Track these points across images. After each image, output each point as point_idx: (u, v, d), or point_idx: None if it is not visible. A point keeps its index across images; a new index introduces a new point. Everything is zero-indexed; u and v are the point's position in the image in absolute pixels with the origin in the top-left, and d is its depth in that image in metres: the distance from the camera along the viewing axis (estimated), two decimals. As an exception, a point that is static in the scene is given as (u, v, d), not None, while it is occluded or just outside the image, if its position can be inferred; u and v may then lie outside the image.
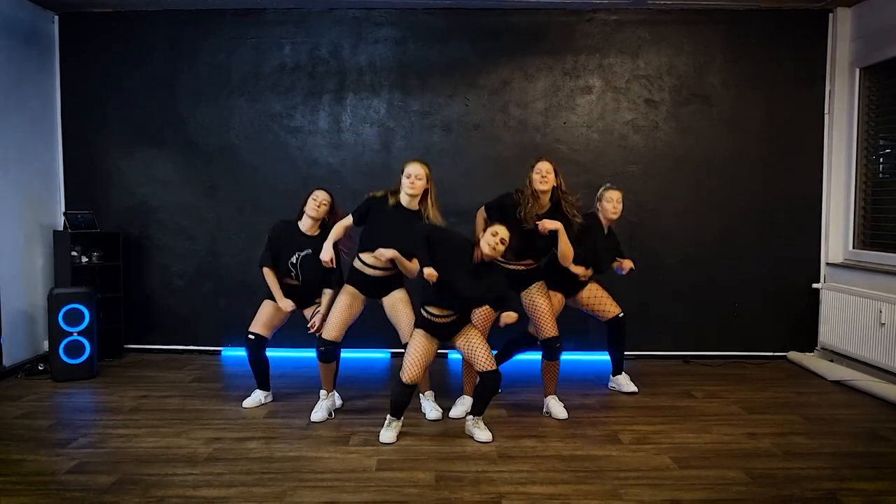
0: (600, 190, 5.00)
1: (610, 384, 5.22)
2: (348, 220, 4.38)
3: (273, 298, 4.65)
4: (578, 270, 4.73)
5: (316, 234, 4.59)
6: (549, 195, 4.42)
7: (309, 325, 4.58)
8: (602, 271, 4.97)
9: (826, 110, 6.04)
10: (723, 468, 3.63)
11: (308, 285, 4.60)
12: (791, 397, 4.98)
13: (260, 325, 4.67)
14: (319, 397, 4.49)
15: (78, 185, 6.21)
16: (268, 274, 4.61)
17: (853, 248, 5.89)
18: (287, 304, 4.56)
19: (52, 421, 4.37)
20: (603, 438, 4.10)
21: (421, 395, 4.50)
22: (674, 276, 6.12)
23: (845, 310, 5.68)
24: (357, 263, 4.37)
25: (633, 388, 5.09)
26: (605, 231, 4.98)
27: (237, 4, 6.02)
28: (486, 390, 4.04)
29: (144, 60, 6.15)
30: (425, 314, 4.04)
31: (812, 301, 6.10)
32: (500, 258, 4.09)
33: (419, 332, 4.05)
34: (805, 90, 6.05)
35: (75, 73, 6.18)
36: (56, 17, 6.13)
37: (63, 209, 6.12)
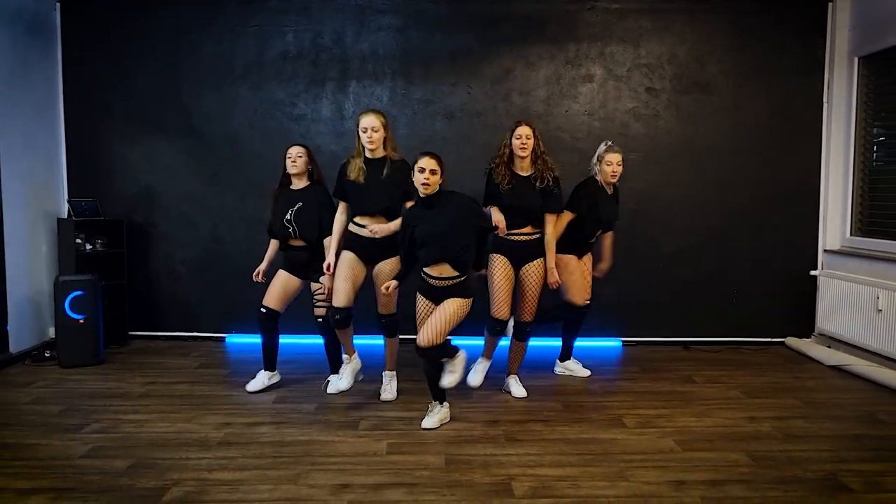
0: (599, 149, 4.91)
1: (557, 369, 5.27)
2: (340, 209, 4.54)
3: (286, 269, 4.75)
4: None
5: (305, 185, 4.72)
6: (528, 159, 4.49)
7: (316, 296, 4.71)
8: (611, 229, 5.10)
9: (825, 99, 6.10)
10: (725, 450, 3.71)
11: (307, 237, 4.63)
12: (790, 382, 5.07)
13: (272, 298, 4.73)
14: (343, 365, 4.56)
15: (81, 173, 6.23)
16: (272, 244, 4.85)
17: (850, 235, 5.97)
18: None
19: (63, 407, 4.42)
20: (608, 422, 4.17)
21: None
22: (673, 263, 6.20)
23: (843, 296, 5.76)
24: (352, 227, 4.44)
25: (585, 371, 5.21)
26: (609, 191, 4.92)
27: (240, -8, 6.04)
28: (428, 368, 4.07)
29: (147, 48, 6.15)
30: (423, 276, 4.06)
31: (810, 288, 6.18)
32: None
33: (418, 299, 4.12)
34: (804, 79, 6.11)
35: (78, 61, 6.18)
36: (58, 5, 6.12)
37: (67, 197, 6.14)
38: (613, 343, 6.08)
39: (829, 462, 3.57)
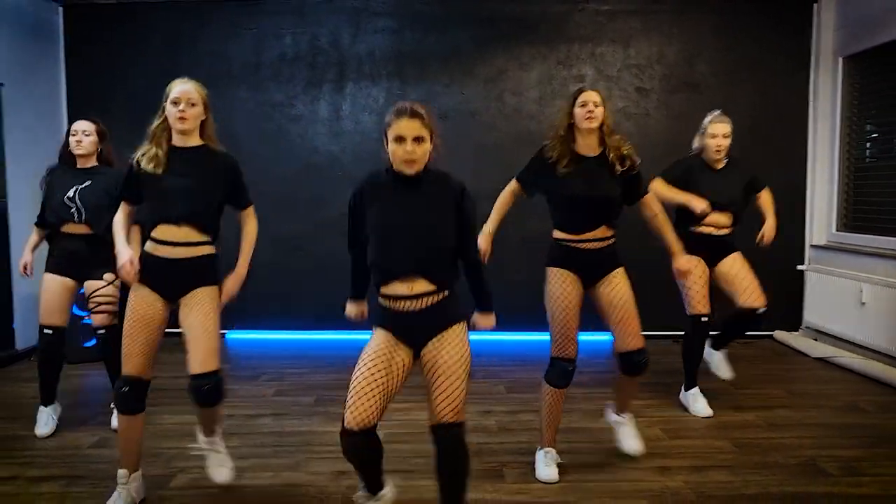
0: (706, 121, 4.29)
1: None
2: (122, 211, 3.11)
3: (54, 269, 3.87)
4: (693, 200, 4.12)
5: (93, 165, 3.96)
6: (597, 134, 3.29)
7: (95, 298, 3.88)
8: (735, 213, 4.29)
9: (810, 98, 6.25)
10: (709, 438, 3.86)
11: (94, 221, 3.83)
12: (776, 374, 5.22)
13: (52, 313, 3.87)
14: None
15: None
16: (36, 234, 3.99)
17: (836, 230, 6.12)
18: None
19: (70, 400, 4.54)
20: (597, 412, 4.30)
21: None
22: (663, 259, 6.27)
23: (829, 290, 5.91)
24: (149, 246, 3.02)
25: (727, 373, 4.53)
26: (717, 169, 4.28)
27: (238, -5, 6.18)
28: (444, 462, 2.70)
29: (147, 50, 6.28)
30: (381, 301, 2.59)
31: (797, 282, 6.33)
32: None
33: (375, 336, 2.60)
34: (791, 78, 6.26)
35: (80, 63, 6.32)
36: (60, 9, 6.26)
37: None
38: (605, 337, 6.18)
39: (810, 449, 3.72)
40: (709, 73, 6.26)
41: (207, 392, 2.97)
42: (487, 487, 3.27)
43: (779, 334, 6.27)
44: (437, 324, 2.55)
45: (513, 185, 3.55)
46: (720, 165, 4.30)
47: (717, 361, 4.57)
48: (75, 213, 3.82)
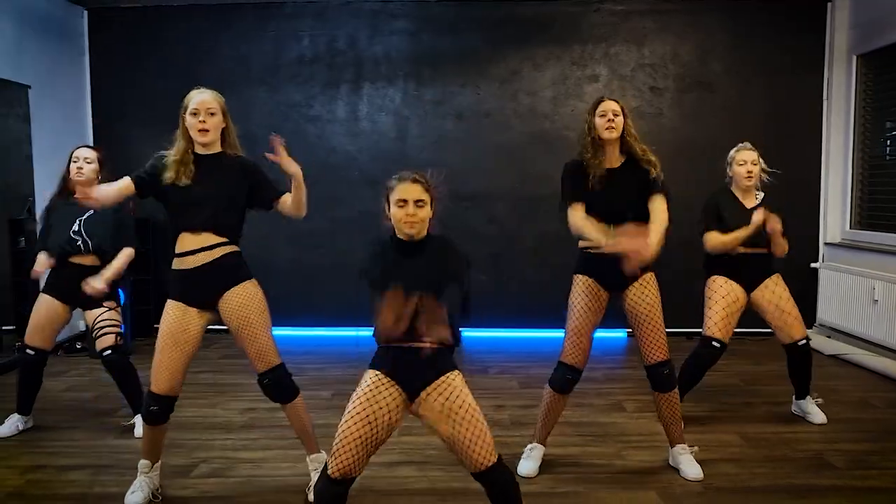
0: (731, 152, 4.16)
1: (793, 408, 4.32)
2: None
3: (52, 293, 3.86)
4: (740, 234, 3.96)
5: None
6: (618, 145, 3.29)
7: (100, 322, 3.87)
8: (766, 248, 4.15)
9: (824, 96, 6.27)
10: (718, 432, 3.93)
11: (102, 249, 3.84)
12: (787, 370, 5.24)
13: (39, 335, 3.86)
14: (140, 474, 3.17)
15: (108, 174, 6.49)
16: (40, 263, 3.85)
17: (850, 228, 6.14)
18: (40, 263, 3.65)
19: (95, 393, 4.71)
20: (608, 407, 4.40)
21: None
22: (676, 256, 6.32)
23: (842, 288, 5.93)
24: (175, 263, 3.04)
25: (821, 418, 4.11)
26: (748, 200, 4.15)
27: (257, -1, 6.32)
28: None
29: (168, 53, 6.43)
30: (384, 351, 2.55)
31: (811, 280, 6.35)
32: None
33: (367, 379, 2.55)
34: (804, 77, 6.29)
35: (103, 66, 6.48)
36: (85, 13, 6.42)
37: (94, 196, 6.43)
38: (618, 334, 6.27)
39: (818, 443, 3.78)
40: (722, 72, 6.30)
41: (271, 386, 3.13)
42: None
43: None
44: (433, 373, 2.50)
45: (575, 209, 3.28)
46: (750, 203, 4.13)
47: (808, 409, 4.22)
48: (82, 246, 3.81)
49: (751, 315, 6.33)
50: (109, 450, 3.72)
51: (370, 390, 2.49)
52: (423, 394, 2.49)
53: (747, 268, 4.14)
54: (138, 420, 3.83)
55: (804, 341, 4.11)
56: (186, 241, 2.98)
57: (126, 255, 3.83)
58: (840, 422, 4.11)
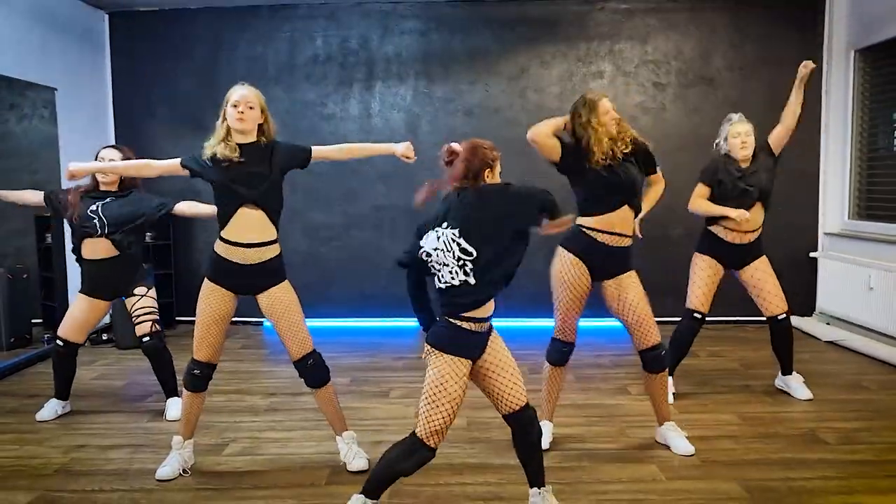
0: (724, 126, 4.38)
1: (777, 382, 4.62)
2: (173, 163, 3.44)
3: (88, 291, 4.09)
4: (729, 212, 4.24)
5: (115, 189, 4.12)
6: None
7: (137, 310, 4.18)
8: (757, 202, 4.32)
9: (823, 90, 6.45)
10: (717, 412, 4.15)
11: (116, 229, 4.00)
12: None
13: (73, 329, 4.11)
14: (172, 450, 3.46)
15: None
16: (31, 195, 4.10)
17: (849, 218, 6.33)
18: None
19: (125, 381, 4.96)
20: (613, 391, 4.62)
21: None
22: (679, 247, 6.56)
23: (841, 276, 6.13)
24: (221, 248, 3.37)
25: (806, 394, 4.39)
26: (746, 162, 4.31)
27: (272, 0, 6.52)
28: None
29: (187, 54, 6.67)
30: (453, 322, 2.70)
31: (811, 269, 6.55)
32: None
33: (443, 365, 2.70)
34: (803, 71, 6.45)
35: (124, 68, 6.73)
36: (106, 16, 6.66)
37: (118, 193, 6.68)
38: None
39: (812, 421, 4.00)
40: (724, 68, 6.49)
41: (310, 367, 3.45)
42: (510, 455, 3.57)
43: (792, 319, 6.47)
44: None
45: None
46: (746, 164, 4.32)
47: (793, 385, 4.48)
48: (97, 224, 3.95)
49: (750, 304, 6.53)
50: (144, 431, 3.97)
51: (447, 373, 2.71)
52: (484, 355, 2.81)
53: (735, 253, 4.43)
54: (170, 403, 4.19)
55: (783, 316, 4.45)
56: (237, 231, 3.29)
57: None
58: (833, 402, 4.32)
